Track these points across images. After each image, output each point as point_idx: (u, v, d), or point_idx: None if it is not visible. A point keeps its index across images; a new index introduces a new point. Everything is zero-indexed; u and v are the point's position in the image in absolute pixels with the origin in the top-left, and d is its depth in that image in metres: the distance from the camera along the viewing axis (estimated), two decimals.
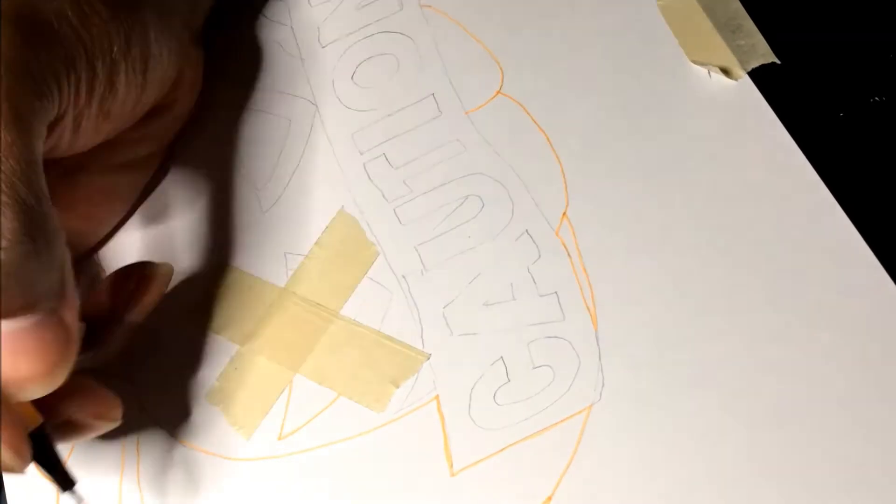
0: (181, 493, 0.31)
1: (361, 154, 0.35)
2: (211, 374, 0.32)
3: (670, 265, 0.31)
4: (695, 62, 0.34)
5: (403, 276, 0.33)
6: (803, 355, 0.29)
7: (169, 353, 0.33)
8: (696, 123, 0.33)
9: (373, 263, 0.33)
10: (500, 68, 0.36)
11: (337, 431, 0.31)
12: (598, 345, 0.30)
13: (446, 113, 0.35)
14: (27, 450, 0.24)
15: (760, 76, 0.34)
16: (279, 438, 0.31)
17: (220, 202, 0.35)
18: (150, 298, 0.31)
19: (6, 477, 0.32)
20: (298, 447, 0.31)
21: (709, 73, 0.34)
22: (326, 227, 0.34)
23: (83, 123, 0.27)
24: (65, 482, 0.27)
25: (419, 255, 0.33)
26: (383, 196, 0.34)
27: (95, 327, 0.30)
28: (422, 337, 0.32)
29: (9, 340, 0.23)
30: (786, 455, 0.28)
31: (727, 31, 0.34)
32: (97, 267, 0.35)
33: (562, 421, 0.30)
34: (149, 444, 0.32)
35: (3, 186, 0.21)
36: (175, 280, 0.34)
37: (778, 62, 0.34)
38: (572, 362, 0.30)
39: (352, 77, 0.37)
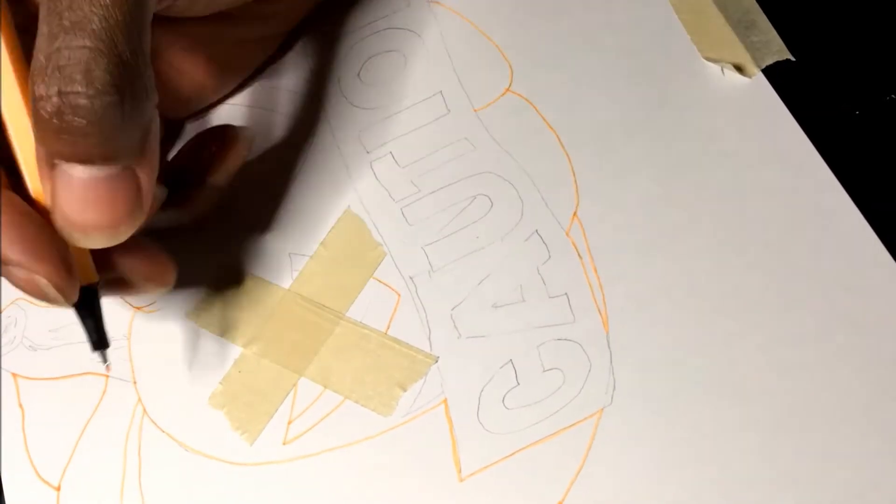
0: (184, 499, 0.31)
1: (368, 153, 0.35)
2: (214, 377, 0.32)
3: (683, 266, 0.31)
4: (708, 59, 0.34)
5: (411, 278, 0.33)
6: (818, 357, 0.29)
7: (171, 355, 0.33)
8: (709, 121, 0.33)
9: (379, 264, 0.33)
10: (510, 65, 0.36)
11: (342, 436, 0.31)
12: (609, 347, 0.31)
13: (454, 111, 0.35)
14: (73, 293, 0.25)
15: (775, 73, 0.34)
16: (284, 443, 0.31)
17: (224, 202, 0.35)
18: (232, 161, 0.32)
19: (6, 477, 0.32)
20: (303, 452, 0.31)
21: (722, 70, 0.34)
22: (332, 228, 0.34)
23: None
24: (99, 342, 0.28)
25: (427, 255, 0.33)
26: (390, 196, 0.34)
27: (178, 188, 0.30)
28: (429, 339, 0.32)
29: (81, 186, 0.23)
30: (800, 458, 0.28)
31: (741, 27, 0.35)
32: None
33: (572, 425, 0.30)
34: (151, 449, 0.32)
35: (103, 35, 0.22)
36: (176, 280, 0.34)
37: (792, 59, 0.34)
38: (583, 365, 0.30)
39: (358, 74, 0.37)
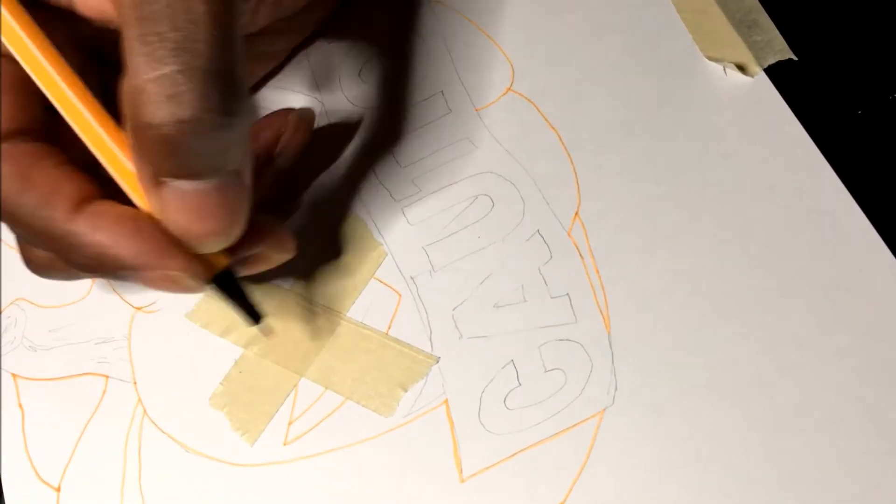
0: (184, 500, 0.31)
1: (369, 153, 0.35)
2: (214, 377, 0.33)
3: (685, 266, 0.31)
4: (710, 58, 0.34)
5: (412, 278, 0.33)
6: (819, 357, 0.29)
7: (172, 355, 0.33)
8: (710, 121, 0.33)
9: (380, 264, 0.33)
10: (511, 65, 0.36)
11: (343, 436, 0.31)
12: (610, 348, 0.31)
13: (456, 111, 0.35)
14: (206, 276, 0.26)
15: (777, 73, 0.34)
16: (284, 443, 0.31)
17: None
18: (296, 141, 0.33)
19: (5, 478, 0.32)
20: (304, 452, 0.31)
21: (724, 69, 0.34)
22: (333, 228, 0.34)
23: None
24: (252, 316, 0.29)
25: (428, 255, 0.33)
26: (391, 195, 0.34)
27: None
28: (430, 340, 0.32)
29: (193, 200, 0.24)
30: (802, 459, 0.28)
31: (743, 26, 0.35)
32: None
33: (574, 425, 0.30)
34: (151, 450, 0.32)
35: (210, 55, 0.22)
36: None
37: (795, 58, 0.34)
38: (585, 366, 0.30)
39: (359, 74, 0.37)
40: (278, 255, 0.30)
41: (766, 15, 0.35)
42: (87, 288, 0.35)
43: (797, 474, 0.28)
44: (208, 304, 0.34)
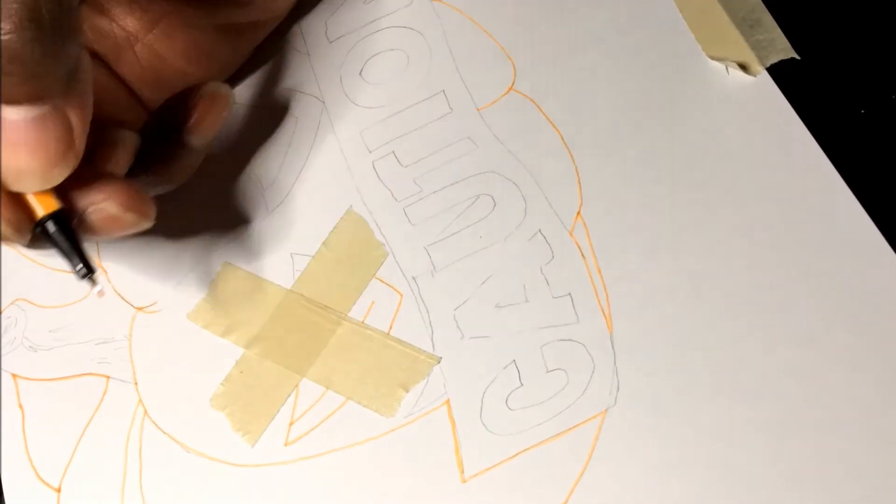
0: (185, 501, 0.31)
1: (370, 152, 0.35)
2: (215, 378, 0.33)
3: (687, 266, 0.31)
4: (712, 58, 0.34)
5: (413, 278, 0.33)
6: (822, 358, 0.29)
7: (172, 356, 0.33)
8: (713, 121, 0.33)
9: (382, 264, 0.33)
10: (513, 64, 0.36)
11: (345, 437, 0.31)
12: (613, 348, 0.31)
13: (457, 110, 0.35)
14: (25, 226, 0.25)
15: (779, 72, 0.34)
16: (285, 444, 0.31)
17: (225, 202, 0.35)
18: (212, 119, 0.31)
19: (5, 479, 0.32)
20: (305, 453, 0.31)
21: (726, 68, 0.34)
22: (334, 228, 0.34)
23: None
24: (84, 269, 0.27)
25: (429, 255, 0.33)
26: (392, 195, 0.34)
27: (156, 149, 0.30)
28: (432, 340, 0.32)
29: (7, 128, 0.22)
30: (805, 460, 0.28)
31: (745, 25, 0.35)
32: None
33: (576, 426, 0.30)
34: (152, 450, 0.32)
35: None
36: (179, 281, 0.34)
37: (797, 57, 0.34)
38: (587, 366, 0.30)
39: (360, 73, 0.37)
40: (131, 217, 0.28)
41: (769, 14, 0.35)
42: (87, 288, 0.35)
43: (800, 474, 0.28)
44: (209, 304, 0.34)
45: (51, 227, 0.26)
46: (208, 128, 0.31)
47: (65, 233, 0.26)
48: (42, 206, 0.25)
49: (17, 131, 0.23)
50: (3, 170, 0.23)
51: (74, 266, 0.27)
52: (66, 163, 0.24)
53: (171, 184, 0.32)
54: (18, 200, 0.25)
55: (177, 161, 0.31)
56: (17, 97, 0.22)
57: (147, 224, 0.28)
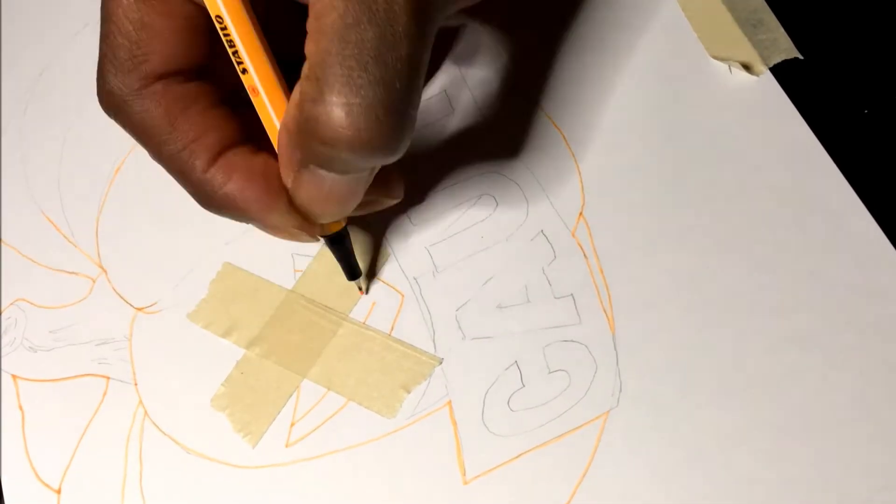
0: (186, 502, 0.31)
1: None
2: (216, 378, 0.33)
3: (689, 267, 0.31)
4: (715, 57, 0.34)
5: (415, 278, 0.33)
6: (825, 358, 0.29)
7: (173, 357, 0.33)
8: (716, 120, 0.33)
9: (383, 265, 0.33)
10: (515, 64, 0.36)
11: (346, 438, 0.31)
12: (615, 349, 0.31)
13: (459, 110, 0.35)
14: (315, 233, 0.28)
15: (782, 72, 0.34)
16: (287, 445, 0.31)
17: None
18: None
19: (5, 480, 0.32)
20: (306, 454, 0.31)
21: (729, 68, 0.34)
22: None
23: None
24: (351, 272, 0.32)
25: (431, 256, 0.33)
26: None
27: None
28: (433, 340, 0.32)
29: (328, 188, 0.25)
30: (807, 461, 0.28)
31: (748, 25, 0.35)
32: None
33: (578, 427, 0.30)
34: (152, 452, 0.32)
35: (399, 96, 0.22)
36: (179, 281, 0.34)
37: (801, 57, 0.34)
38: (589, 367, 0.30)
39: None
40: (387, 201, 0.30)
41: (772, 14, 0.35)
42: (87, 289, 0.35)
43: (802, 476, 0.28)
44: (210, 304, 0.34)
45: (335, 240, 0.30)
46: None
47: (341, 243, 0.30)
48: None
49: (335, 190, 0.25)
50: (310, 212, 0.27)
51: (345, 270, 0.32)
52: (353, 206, 0.27)
53: None
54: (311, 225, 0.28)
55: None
56: (348, 172, 0.25)
57: (398, 200, 0.31)
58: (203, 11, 0.25)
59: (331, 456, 0.31)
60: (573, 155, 0.34)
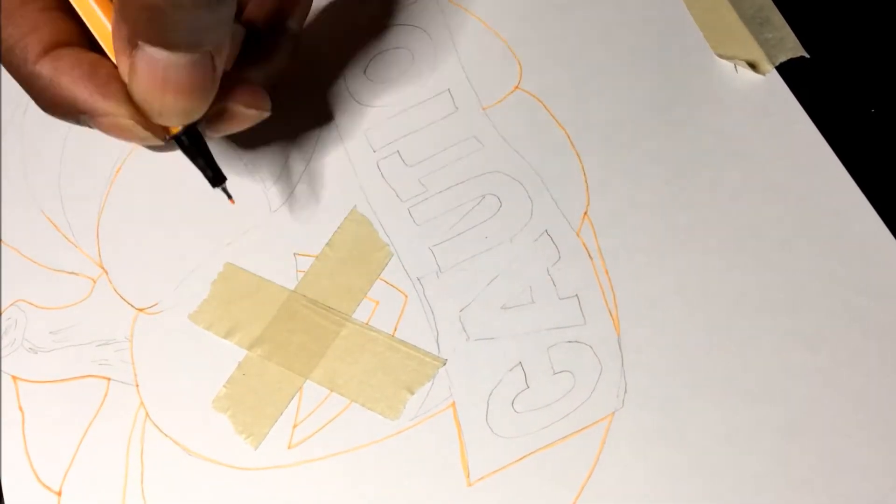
0: None
1: (374, 151, 0.35)
2: (218, 379, 0.33)
3: (695, 267, 0.31)
4: (720, 56, 0.34)
5: (418, 279, 0.33)
6: (833, 359, 0.29)
7: (174, 358, 0.33)
8: (721, 120, 0.33)
9: (386, 265, 0.33)
10: (519, 62, 0.36)
11: (349, 440, 0.31)
12: (620, 350, 0.31)
13: (462, 109, 0.36)
14: (160, 130, 0.27)
15: (789, 70, 0.34)
16: (289, 447, 0.31)
17: (227, 202, 0.35)
18: (304, 3, 0.33)
19: (6, 482, 0.32)
20: (309, 456, 0.31)
21: (735, 67, 0.34)
22: (338, 228, 0.34)
23: None
24: (215, 177, 0.30)
25: (434, 256, 0.33)
26: (397, 195, 0.34)
27: (261, 37, 0.32)
28: (437, 341, 0.32)
29: (162, 69, 0.25)
30: (815, 463, 0.28)
31: (754, 23, 0.35)
32: None
33: (583, 429, 0.30)
34: (153, 453, 0.32)
35: None
36: (180, 281, 0.34)
37: (807, 56, 0.34)
38: (594, 368, 0.30)
39: (364, 71, 0.37)
40: (252, 113, 0.30)
41: (778, 12, 0.35)
42: (88, 289, 0.35)
43: (810, 478, 0.28)
44: (211, 305, 0.34)
45: (185, 140, 0.28)
46: (304, 7, 0.33)
47: (196, 145, 0.29)
48: None
49: (170, 73, 0.25)
50: (149, 105, 0.26)
51: (206, 176, 0.30)
52: (206, 103, 0.27)
53: (275, 75, 0.33)
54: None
55: (279, 49, 0.32)
56: (179, 45, 0.24)
57: (266, 115, 0.30)
58: None
59: (333, 458, 0.31)
60: (577, 154, 0.34)
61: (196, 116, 0.27)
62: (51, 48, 0.27)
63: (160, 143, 0.28)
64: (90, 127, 0.27)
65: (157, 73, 0.25)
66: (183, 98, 0.26)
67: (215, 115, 0.29)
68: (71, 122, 0.28)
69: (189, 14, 0.23)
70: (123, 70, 0.26)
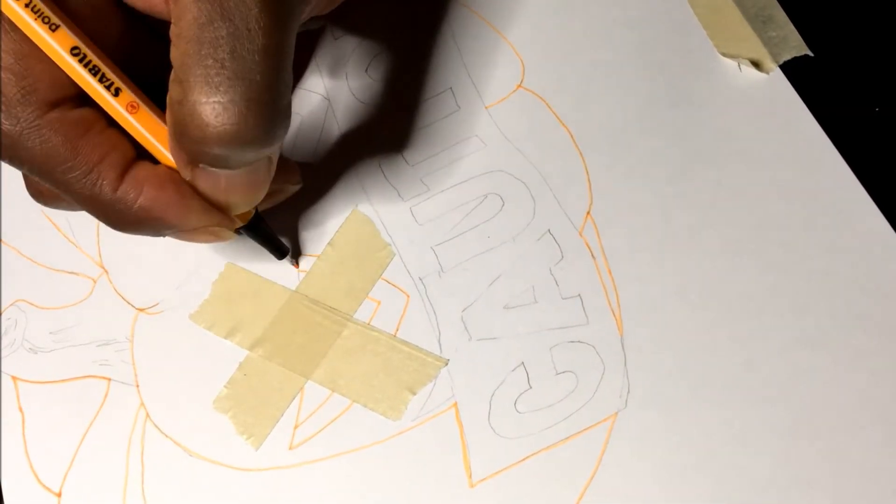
0: None
1: (376, 150, 0.35)
2: (219, 380, 0.33)
3: (699, 266, 0.31)
4: (724, 55, 0.34)
5: (420, 279, 0.33)
6: (836, 359, 0.29)
7: (175, 358, 0.33)
8: (725, 118, 0.33)
9: (388, 265, 0.33)
10: (522, 61, 0.36)
11: (351, 440, 0.31)
12: (623, 350, 0.31)
13: (465, 108, 0.36)
14: (234, 226, 0.29)
15: (792, 69, 0.34)
16: (290, 448, 0.31)
17: None
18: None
19: (5, 483, 0.32)
20: (310, 457, 0.31)
21: (739, 65, 0.34)
22: (339, 227, 0.34)
23: None
24: (279, 253, 0.33)
25: (436, 256, 0.33)
26: (399, 194, 0.34)
27: None
28: (439, 342, 0.32)
29: (225, 182, 0.26)
30: (818, 463, 0.28)
31: (758, 22, 0.35)
32: None
33: (586, 430, 0.30)
34: (154, 454, 0.32)
35: (264, 87, 0.23)
36: (181, 281, 0.34)
37: (811, 54, 0.34)
38: (596, 368, 0.30)
39: (366, 70, 0.37)
40: (291, 188, 0.33)
41: (782, 10, 0.35)
42: (88, 289, 0.35)
43: (814, 478, 0.28)
44: (212, 305, 0.34)
45: (251, 227, 0.31)
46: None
47: (260, 230, 0.32)
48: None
49: (232, 183, 0.27)
50: (219, 205, 0.28)
51: (272, 253, 0.33)
52: (263, 193, 0.28)
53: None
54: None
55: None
56: (238, 165, 0.26)
57: (299, 187, 0.33)
58: None
59: (335, 459, 0.31)
60: (580, 153, 0.34)
61: (258, 201, 0.29)
62: (125, 170, 0.27)
63: (234, 237, 0.30)
64: (164, 236, 0.29)
65: (219, 186, 0.27)
66: (246, 196, 0.28)
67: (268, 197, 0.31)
68: (148, 236, 0.28)
69: (243, 153, 0.25)
70: (186, 177, 0.27)
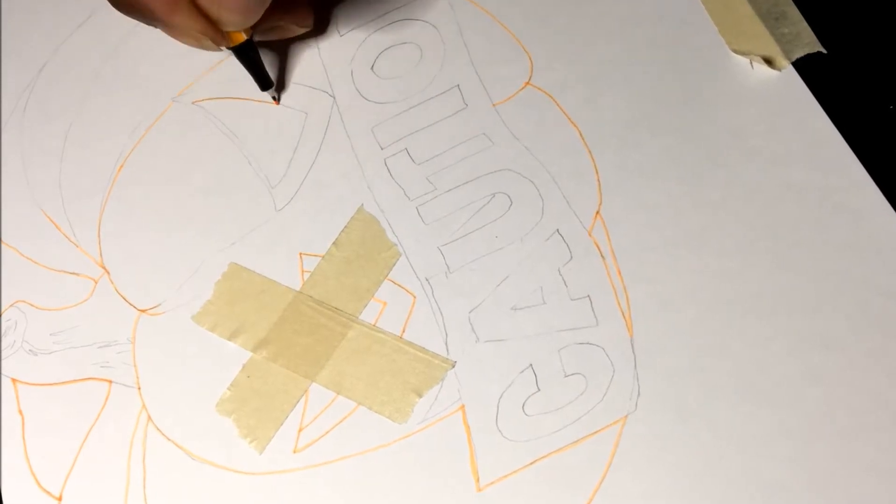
0: None
1: (382, 149, 0.35)
2: (221, 382, 0.33)
3: (709, 267, 0.31)
4: (736, 52, 0.34)
5: (426, 279, 0.33)
6: (849, 361, 0.30)
7: (177, 360, 0.33)
8: (737, 116, 0.33)
9: (394, 265, 0.33)
10: (530, 58, 0.36)
11: (356, 443, 0.31)
12: (633, 352, 0.31)
13: (472, 105, 0.36)
14: (222, 40, 0.34)
15: (805, 66, 0.34)
16: (294, 451, 0.31)
17: (231, 201, 0.35)
18: None
19: (5, 487, 0.32)
20: (315, 460, 0.31)
21: (751, 63, 0.34)
22: (345, 227, 0.34)
23: None
24: (263, 82, 0.36)
25: (443, 256, 0.33)
26: (405, 194, 0.34)
27: None
28: (446, 343, 0.32)
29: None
30: (831, 466, 0.28)
31: (770, 18, 0.35)
32: None
33: (595, 433, 0.30)
34: (156, 458, 0.32)
35: None
36: (183, 282, 0.34)
37: (824, 51, 0.34)
38: (606, 370, 0.31)
39: (372, 67, 0.37)
40: (297, 28, 0.37)
41: (795, 7, 0.35)
42: (89, 290, 0.35)
43: (826, 481, 0.28)
44: (215, 306, 0.34)
45: (240, 51, 0.35)
46: None
47: (248, 56, 0.35)
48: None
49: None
50: (217, 19, 0.32)
51: (256, 81, 0.36)
52: (253, 18, 0.32)
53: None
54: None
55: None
56: None
57: (309, 29, 0.38)
58: None
59: (340, 462, 0.31)
60: (590, 152, 0.34)
61: (251, 22, 0.32)
62: None
63: (216, 49, 0.34)
64: (158, 27, 0.33)
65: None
66: (244, 14, 0.32)
67: (269, 28, 0.36)
68: (141, 22, 0.33)
69: None
70: None
